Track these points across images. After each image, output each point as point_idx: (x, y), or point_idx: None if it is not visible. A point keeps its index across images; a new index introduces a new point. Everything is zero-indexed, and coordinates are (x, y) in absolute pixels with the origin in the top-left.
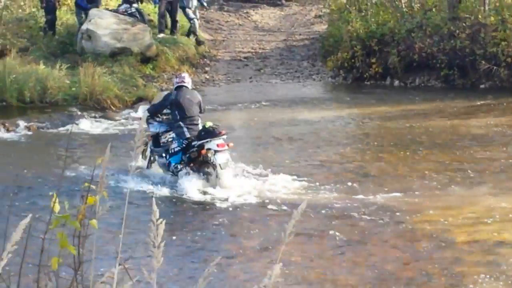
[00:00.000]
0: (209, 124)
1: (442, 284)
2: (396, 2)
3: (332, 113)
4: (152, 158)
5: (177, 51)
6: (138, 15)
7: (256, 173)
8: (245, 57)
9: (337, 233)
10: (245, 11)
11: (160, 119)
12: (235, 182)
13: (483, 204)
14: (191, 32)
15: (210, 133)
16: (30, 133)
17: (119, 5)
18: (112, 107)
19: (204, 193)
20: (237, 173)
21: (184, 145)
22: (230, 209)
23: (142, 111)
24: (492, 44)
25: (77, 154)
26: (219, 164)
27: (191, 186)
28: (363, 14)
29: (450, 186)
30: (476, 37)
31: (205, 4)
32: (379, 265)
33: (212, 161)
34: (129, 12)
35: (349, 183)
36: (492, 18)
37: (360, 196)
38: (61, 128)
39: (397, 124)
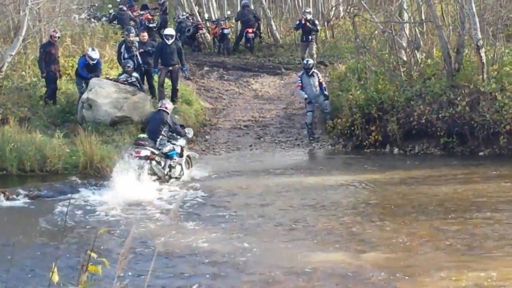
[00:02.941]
0: (139, 135)
1: None
2: (395, 71)
3: (331, 181)
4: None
5: (177, 120)
6: (138, 84)
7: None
8: (245, 126)
9: None
10: (245, 79)
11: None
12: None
13: (482, 269)
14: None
15: (135, 141)
16: (30, 201)
17: (120, 75)
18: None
19: None
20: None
21: None
22: None
23: None
24: (491, 112)
25: (76, 222)
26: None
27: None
28: (362, 82)
29: (449, 251)
30: (475, 105)
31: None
32: None
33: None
34: (129, 81)
35: (348, 249)
36: (492, 86)
37: (360, 262)
38: (61, 197)
39: (396, 191)
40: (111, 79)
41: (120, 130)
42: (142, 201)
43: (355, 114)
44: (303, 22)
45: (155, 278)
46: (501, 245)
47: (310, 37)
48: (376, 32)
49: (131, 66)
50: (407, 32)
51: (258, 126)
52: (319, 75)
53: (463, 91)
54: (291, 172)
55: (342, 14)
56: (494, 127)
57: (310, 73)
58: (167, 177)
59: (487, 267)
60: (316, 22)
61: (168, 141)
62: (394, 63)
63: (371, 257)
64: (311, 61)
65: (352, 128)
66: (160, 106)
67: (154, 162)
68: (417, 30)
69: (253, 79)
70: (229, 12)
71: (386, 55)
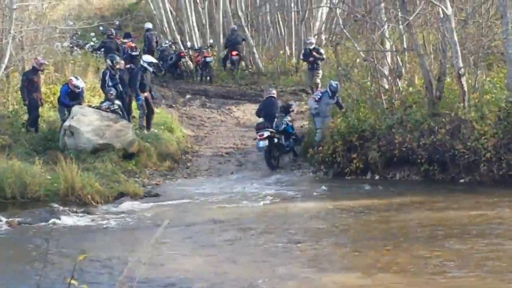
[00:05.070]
0: (258, 121)
1: None
2: (377, 99)
3: (312, 208)
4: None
5: (159, 147)
6: (120, 112)
7: None
8: (226, 153)
9: None
10: (227, 107)
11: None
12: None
13: None
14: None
15: (256, 127)
16: (10, 228)
17: (102, 102)
18: (93, 202)
19: None
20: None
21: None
22: None
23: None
24: (471, 140)
25: (58, 249)
26: (258, 148)
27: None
28: (344, 110)
29: (429, 278)
30: (455, 133)
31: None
32: None
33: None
34: (111, 109)
35: (329, 276)
36: (472, 114)
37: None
38: (43, 223)
39: (377, 218)
40: (93, 107)
41: (102, 158)
42: (127, 224)
43: (337, 141)
44: (313, 53)
45: None
46: (483, 271)
47: (315, 65)
48: (358, 60)
49: (114, 94)
50: (389, 60)
51: (240, 153)
52: (339, 98)
53: (444, 119)
54: (272, 199)
55: (324, 42)
56: (474, 155)
57: (334, 95)
58: (287, 149)
59: None
60: (321, 50)
61: (280, 120)
62: (376, 91)
63: (354, 282)
64: (338, 83)
65: (334, 156)
66: (269, 94)
67: (275, 140)
68: (398, 58)
69: (235, 106)
70: (211, 41)
71: (368, 83)
